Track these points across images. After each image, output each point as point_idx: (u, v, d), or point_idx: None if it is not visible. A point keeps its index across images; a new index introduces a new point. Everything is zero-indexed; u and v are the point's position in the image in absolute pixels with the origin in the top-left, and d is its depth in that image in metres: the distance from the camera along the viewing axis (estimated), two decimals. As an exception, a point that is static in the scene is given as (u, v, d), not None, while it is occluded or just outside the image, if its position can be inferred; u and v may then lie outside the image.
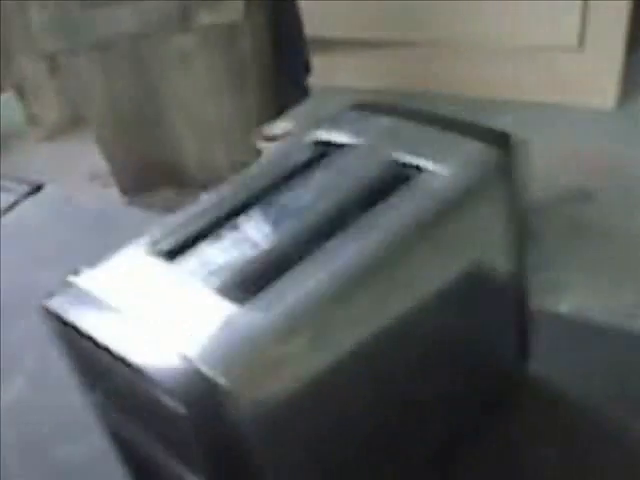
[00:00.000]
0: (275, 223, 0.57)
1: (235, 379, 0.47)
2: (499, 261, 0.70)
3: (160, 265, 0.56)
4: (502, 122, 2.24)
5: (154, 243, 0.58)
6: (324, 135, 0.65)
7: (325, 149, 0.65)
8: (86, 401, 0.62)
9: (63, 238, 1.01)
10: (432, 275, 0.64)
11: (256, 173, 0.62)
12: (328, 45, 2.36)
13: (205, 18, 2.00)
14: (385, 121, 0.66)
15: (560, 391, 0.78)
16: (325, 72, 2.18)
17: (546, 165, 2.14)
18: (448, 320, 0.66)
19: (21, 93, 2.39)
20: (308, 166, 0.64)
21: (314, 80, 2.11)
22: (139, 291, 0.55)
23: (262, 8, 2.11)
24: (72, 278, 0.58)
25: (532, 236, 0.91)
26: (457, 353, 0.69)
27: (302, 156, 0.64)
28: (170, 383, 0.47)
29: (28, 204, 1.20)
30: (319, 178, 0.62)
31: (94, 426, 0.67)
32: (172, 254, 0.57)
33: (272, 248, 0.56)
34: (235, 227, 0.59)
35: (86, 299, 0.55)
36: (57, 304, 0.56)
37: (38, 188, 1.25)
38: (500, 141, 0.62)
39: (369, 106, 0.67)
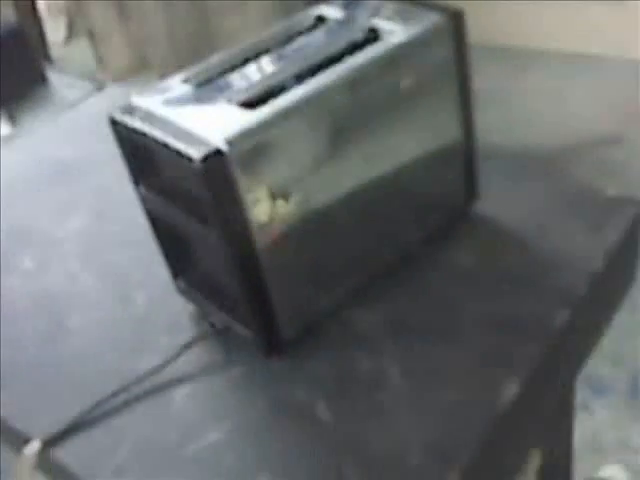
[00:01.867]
0: (276, 65, 0.83)
1: (236, 148, 0.72)
2: (448, 114, 0.88)
3: (192, 89, 0.81)
4: (539, 72, 2.32)
5: (187, 78, 0.83)
6: (323, 11, 0.90)
7: (321, 21, 0.89)
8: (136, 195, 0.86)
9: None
10: (387, 114, 0.83)
11: (267, 35, 0.87)
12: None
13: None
14: (368, 1, 0.90)
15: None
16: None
17: (581, 112, 2.21)
18: (402, 162, 0.87)
19: (92, 37, 2.57)
20: (306, 31, 0.88)
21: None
22: (178, 107, 0.79)
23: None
24: (130, 100, 0.81)
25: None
26: (409, 190, 0.89)
27: (303, 25, 0.89)
28: (195, 156, 0.71)
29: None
30: (311, 39, 0.86)
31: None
32: (201, 83, 0.82)
33: (274, 80, 0.80)
34: (248, 66, 0.83)
35: (142, 113, 0.79)
36: (120, 116, 0.80)
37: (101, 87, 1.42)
38: (455, 15, 0.84)
39: None
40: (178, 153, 0.73)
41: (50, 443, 0.80)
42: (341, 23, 0.87)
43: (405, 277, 0.89)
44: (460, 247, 0.93)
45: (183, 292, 0.92)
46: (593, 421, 1.57)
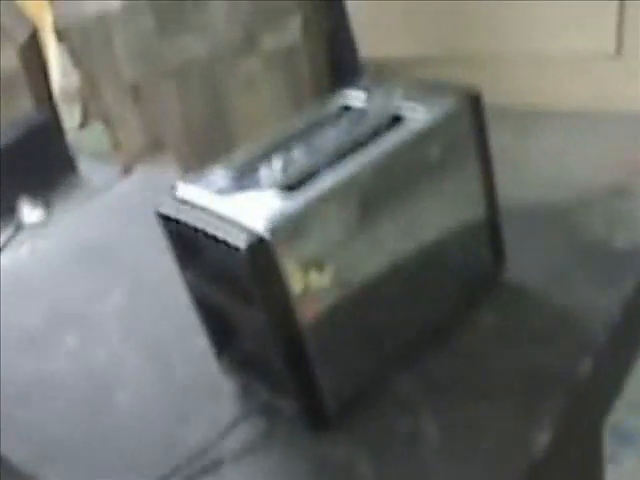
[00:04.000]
0: (308, 152, 0.88)
1: (277, 235, 0.77)
2: (472, 187, 0.94)
3: (232, 177, 0.87)
4: (544, 130, 2.39)
5: (229, 164, 0.89)
6: (346, 97, 0.96)
7: (345, 109, 0.95)
8: (182, 279, 0.90)
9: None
10: (414, 191, 0.88)
11: (295, 123, 0.94)
12: (382, 65, 2.54)
13: (268, 42, 2.24)
14: (388, 86, 0.96)
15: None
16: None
17: (587, 167, 2.27)
18: (431, 234, 0.92)
19: (107, 122, 2.67)
20: (332, 119, 0.94)
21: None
22: (221, 195, 0.84)
23: (317, 32, 2.33)
24: (174, 191, 0.87)
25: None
26: (439, 261, 0.94)
27: (329, 112, 0.95)
28: (240, 245, 0.76)
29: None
30: (339, 126, 0.92)
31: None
32: (240, 170, 0.87)
33: (307, 166, 0.85)
34: (280, 153, 0.89)
35: (187, 203, 0.85)
36: (164, 208, 0.86)
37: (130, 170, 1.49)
38: (473, 96, 0.90)
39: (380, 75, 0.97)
40: (223, 242, 0.78)
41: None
42: (365, 110, 0.93)
43: (437, 339, 0.94)
44: (487, 308, 0.98)
45: (227, 370, 0.96)
46: (622, 471, 1.59)
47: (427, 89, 0.92)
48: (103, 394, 1.00)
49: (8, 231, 1.40)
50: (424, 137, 0.87)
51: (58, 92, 3.03)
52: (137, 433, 0.94)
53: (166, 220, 0.86)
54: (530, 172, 2.11)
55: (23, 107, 2.45)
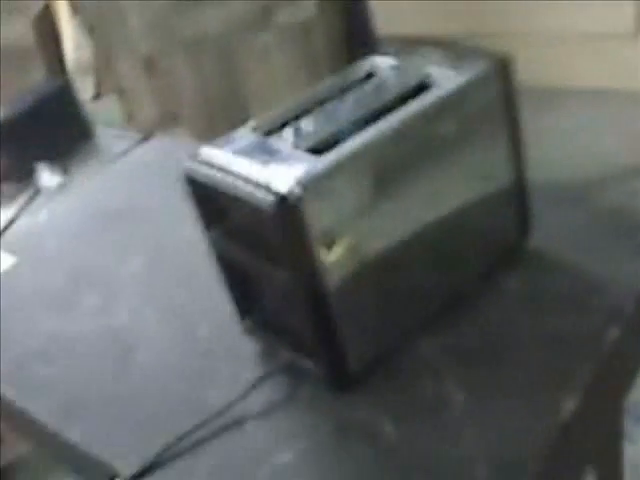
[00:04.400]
0: (336, 115, 0.87)
1: (304, 196, 0.76)
2: (500, 155, 0.92)
3: (259, 138, 0.86)
4: (562, 108, 2.38)
5: (255, 127, 0.88)
6: (376, 61, 0.95)
7: (376, 70, 0.94)
8: (204, 237, 0.89)
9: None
10: (441, 157, 0.87)
11: (324, 86, 0.93)
12: (397, 42, 2.51)
13: (283, 16, 2.22)
14: (418, 52, 0.95)
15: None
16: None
17: (604, 146, 2.26)
18: (458, 201, 0.91)
19: (121, 94, 2.66)
20: (361, 82, 0.92)
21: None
22: (247, 155, 0.83)
23: (334, 7, 2.31)
24: (200, 150, 0.86)
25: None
26: (467, 229, 0.93)
27: (358, 75, 0.94)
28: (267, 202, 0.76)
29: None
30: (367, 89, 0.91)
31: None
32: (268, 132, 0.87)
33: (334, 128, 0.84)
34: (308, 116, 0.88)
35: (212, 163, 0.84)
36: (190, 168, 0.85)
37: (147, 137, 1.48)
38: (502, 61, 0.89)
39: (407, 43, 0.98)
40: (250, 201, 0.77)
41: (136, 477, 0.84)
42: (393, 73, 0.92)
43: (463, 306, 0.93)
44: (512, 275, 0.97)
45: (250, 331, 0.95)
46: (637, 450, 1.58)
47: (457, 55, 0.91)
48: (124, 354, 1.00)
49: (26, 196, 1.39)
50: (452, 103, 0.86)
51: (71, 64, 3.02)
52: (158, 392, 0.94)
53: (192, 182, 0.85)
54: (548, 150, 2.10)
55: (36, 79, 2.45)
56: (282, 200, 0.75)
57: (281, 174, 0.78)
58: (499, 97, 0.89)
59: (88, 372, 0.99)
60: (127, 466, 0.84)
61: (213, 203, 0.85)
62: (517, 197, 0.97)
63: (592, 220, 1.05)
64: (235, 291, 0.93)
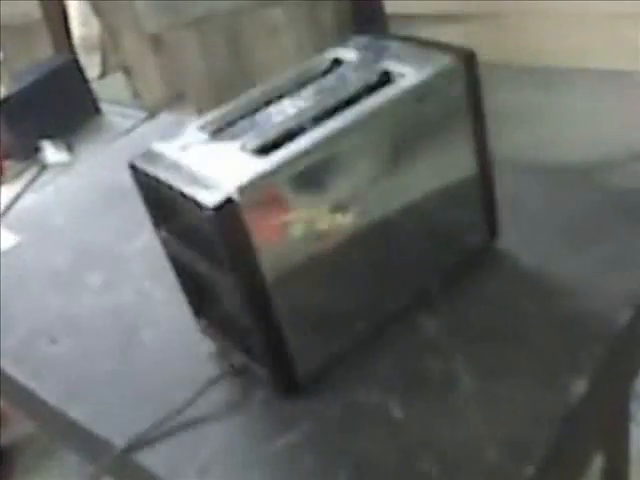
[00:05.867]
0: (291, 110, 0.84)
1: (246, 196, 0.74)
2: (463, 152, 0.90)
3: (208, 136, 0.84)
4: (571, 89, 2.36)
5: (203, 125, 0.86)
6: (339, 53, 0.92)
7: (336, 64, 0.91)
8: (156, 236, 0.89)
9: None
10: (402, 154, 0.85)
11: (282, 79, 0.90)
12: (407, 20, 2.49)
13: (291, -7, 2.20)
14: (382, 42, 0.92)
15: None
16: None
17: (613, 128, 2.24)
18: (419, 199, 0.88)
19: (127, 71, 2.64)
20: (321, 75, 0.90)
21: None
22: (195, 154, 0.82)
23: (343, -16, 2.29)
24: (150, 147, 0.84)
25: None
26: (429, 227, 0.91)
27: (319, 68, 0.91)
28: (207, 203, 0.73)
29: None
30: (326, 83, 0.88)
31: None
32: (217, 130, 0.85)
33: (287, 125, 0.82)
34: (263, 112, 0.86)
35: (160, 160, 0.82)
36: (140, 162, 0.83)
37: (153, 115, 1.47)
38: (467, 56, 0.86)
39: (373, 33, 0.94)
40: (192, 201, 0.75)
41: (133, 448, 0.84)
42: (355, 66, 0.89)
43: (460, 286, 0.92)
44: (522, 252, 0.96)
45: (204, 331, 0.94)
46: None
47: (420, 49, 0.88)
48: (129, 332, 0.99)
49: (32, 171, 1.38)
50: (411, 99, 0.83)
51: (78, 41, 3.00)
52: (164, 370, 0.93)
53: (137, 174, 0.83)
54: (553, 131, 2.08)
55: (43, 56, 2.43)
56: (220, 205, 0.73)
57: (226, 173, 0.76)
58: (463, 93, 0.86)
59: (93, 350, 0.98)
60: (124, 438, 0.83)
61: (160, 201, 0.83)
62: (483, 197, 0.94)
63: (599, 202, 1.04)
64: (187, 290, 0.92)
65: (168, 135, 0.85)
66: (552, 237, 0.98)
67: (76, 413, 0.91)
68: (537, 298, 0.91)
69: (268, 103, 0.86)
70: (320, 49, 0.90)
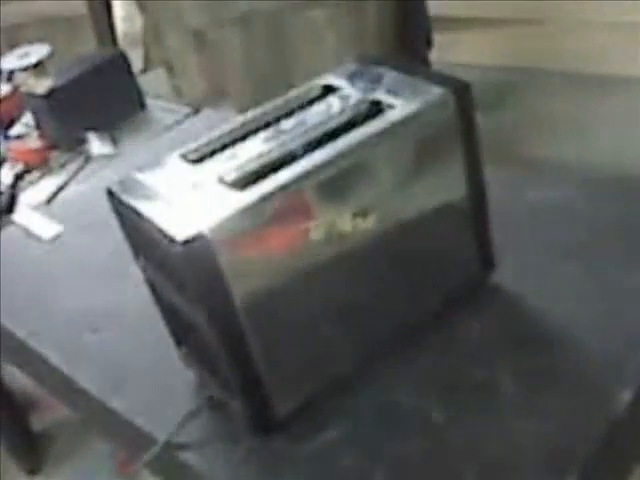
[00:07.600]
0: (275, 141, 0.83)
1: (219, 233, 0.73)
2: (456, 183, 0.88)
3: (189, 167, 0.84)
4: (619, 97, 2.34)
5: (186, 154, 0.85)
6: (329, 80, 0.91)
7: (327, 91, 0.89)
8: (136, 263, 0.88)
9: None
10: (392, 185, 0.84)
11: (270, 107, 0.89)
12: (449, 23, 2.47)
13: (334, -7, 2.20)
14: (375, 70, 0.90)
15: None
16: (445, 48, 2.30)
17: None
18: (411, 229, 0.87)
19: (169, 68, 2.65)
20: (309, 104, 0.88)
21: (434, 55, 2.23)
22: (173, 185, 0.81)
23: (387, -15, 2.28)
24: (130, 175, 0.84)
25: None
26: (421, 257, 0.90)
27: (309, 96, 0.90)
28: (177, 237, 0.73)
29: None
30: (313, 113, 0.87)
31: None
32: (197, 160, 0.84)
33: (266, 158, 0.81)
34: (245, 142, 0.85)
35: (138, 187, 0.82)
36: (117, 189, 0.83)
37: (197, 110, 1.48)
38: (459, 89, 0.84)
39: (368, 58, 0.93)
40: (163, 233, 0.75)
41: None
42: (344, 96, 0.87)
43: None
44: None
45: (184, 361, 0.93)
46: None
47: (413, 79, 0.86)
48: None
49: (77, 162, 1.40)
50: (401, 129, 0.82)
51: (121, 37, 3.03)
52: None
53: (115, 202, 0.82)
54: (605, 139, 2.06)
55: (87, 50, 2.46)
56: (191, 239, 0.72)
57: (196, 210, 0.75)
58: (455, 124, 0.84)
59: (135, 342, 0.99)
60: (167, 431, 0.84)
61: (136, 230, 0.83)
62: (477, 228, 0.92)
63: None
64: (167, 319, 0.91)
65: (149, 164, 0.84)
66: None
67: (117, 404, 0.92)
68: (581, 302, 0.90)
69: (253, 132, 0.85)
70: (362, 51, 0.89)
